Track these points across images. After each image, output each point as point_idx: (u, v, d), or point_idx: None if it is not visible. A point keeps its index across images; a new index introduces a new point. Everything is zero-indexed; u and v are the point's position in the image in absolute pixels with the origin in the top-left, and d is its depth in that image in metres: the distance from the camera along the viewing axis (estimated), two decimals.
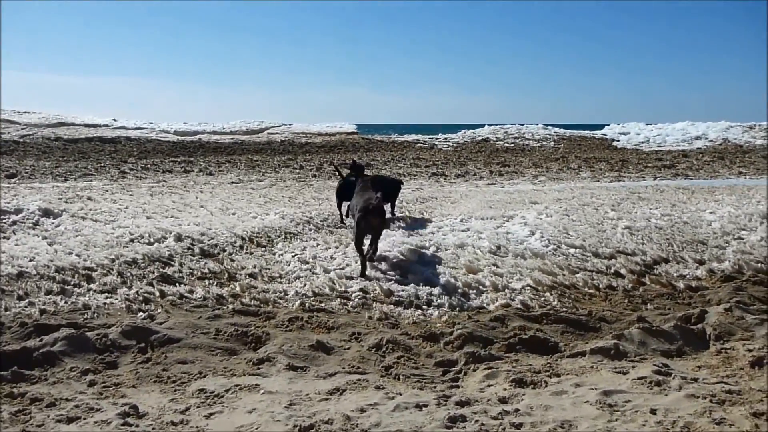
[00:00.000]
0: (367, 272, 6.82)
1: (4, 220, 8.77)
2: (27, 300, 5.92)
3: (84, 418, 3.53)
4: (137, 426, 3.44)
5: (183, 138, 28.20)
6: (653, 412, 3.60)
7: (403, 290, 6.39)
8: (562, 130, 32.52)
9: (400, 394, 3.97)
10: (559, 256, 7.53)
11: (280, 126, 33.03)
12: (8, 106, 32.95)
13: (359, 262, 6.88)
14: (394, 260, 7.16)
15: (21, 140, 24.95)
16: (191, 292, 6.25)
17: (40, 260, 6.94)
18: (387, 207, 9.03)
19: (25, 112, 31.78)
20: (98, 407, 3.71)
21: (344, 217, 9.36)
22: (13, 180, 15.26)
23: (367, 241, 7.21)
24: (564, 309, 6.04)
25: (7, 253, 7.26)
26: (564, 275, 6.96)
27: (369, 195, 7.23)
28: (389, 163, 20.25)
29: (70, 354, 4.64)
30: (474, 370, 4.54)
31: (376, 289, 6.39)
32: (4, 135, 25.43)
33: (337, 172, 10.64)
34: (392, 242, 7.77)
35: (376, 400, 3.84)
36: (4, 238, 8.16)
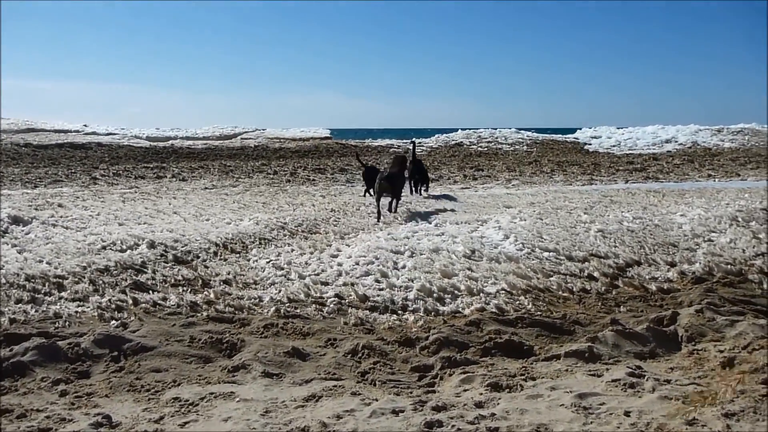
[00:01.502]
0: (380, 221, 9.96)
1: None
2: None
3: (56, 429, 3.47)
4: None
5: (155, 144, 27.95)
6: (627, 414, 3.64)
7: (378, 295, 6.39)
8: (534, 134, 32.85)
9: (377, 400, 3.97)
10: (533, 259, 7.59)
11: (253, 131, 32.90)
12: None
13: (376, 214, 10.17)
14: (369, 265, 7.16)
15: None
16: (165, 299, 6.18)
17: (9, 268, 6.81)
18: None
19: None
20: (70, 418, 3.65)
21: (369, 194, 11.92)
22: None
23: (385, 201, 10.65)
24: (538, 312, 6.09)
25: None
26: (538, 279, 7.01)
27: (387, 170, 10.93)
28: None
29: (40, 364, 4.56)
30: (450, 375, 4.55)
31: (351, 295, 6.38)
32: None
33: (358, 161, 13.38)
34: (367, 247, 7.77)
35: (353, 407, 3.83)
36: None
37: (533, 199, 12.38)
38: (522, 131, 33.27)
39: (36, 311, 5.82)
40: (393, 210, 10.70)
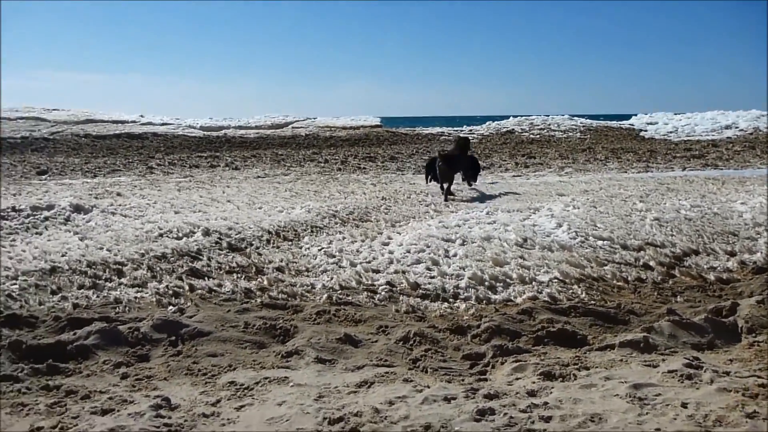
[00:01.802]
0: (446, 200, 10.76)
1: (36, 216, 8.93)
2: (60, 294, 6.03)
3: (118, 411, 3.59)
4: (169, 418, 3.49)
5: (209, 133, 28.41)
6: (684, 405, 3.57)
7: (429, 283, 6.40)
8: (588, 121, 32.21)
9: (428, 387, 3.98)
10: (586, 248, 7.47)
11: (304, 120, 33.13)
12: (38, 103, 33.46)
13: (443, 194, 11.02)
14: (420, 253, 7.17)
15: (51, 137, 25.32)
16: (220, 285, 6.32)
17: (72, 255, 7.06)
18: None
19: (54, 110, 32.24)
20: (131, 399, 3.77)
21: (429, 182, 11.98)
22: (44, 177, 15.50)
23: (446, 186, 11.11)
24: (592, 302, 6.00)
25: (39, 249, 7.40)
26: (592, 267, 6.90)
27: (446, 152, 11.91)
28: (414, 156, 20.22)
29: (103, 347, 4.72)
30: (502, 363, 4.53)
31: (402, 282, 6.40)
32: (35, 132, 25.84)
33: (430, 154, 13.46)
34: (418, 235, 7.77)
35: (405, 393, 3.85)
36: (36, 233, 8.32)
37: (587, 186, 12.17)
38: (575, 118, 32.66)
39: (97, 296, 6.02)
40: (448, 193, 11.10)
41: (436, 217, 9.18)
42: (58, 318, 5.33)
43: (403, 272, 6.67)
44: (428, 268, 6.77)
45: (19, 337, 4.85)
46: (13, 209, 9.16)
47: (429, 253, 7.16)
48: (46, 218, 8.87)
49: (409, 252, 7.23)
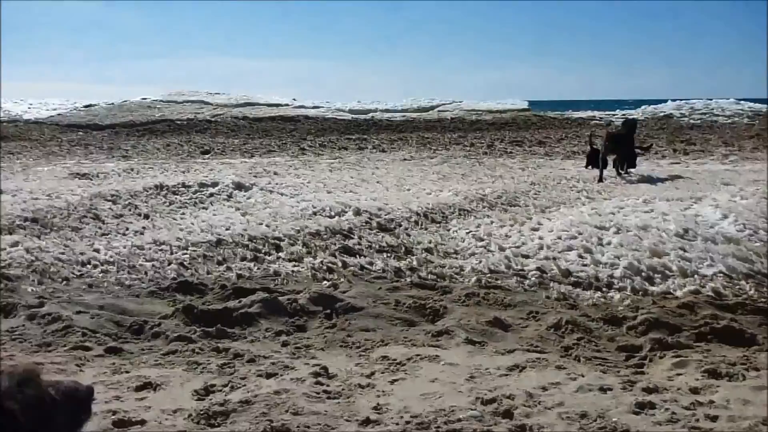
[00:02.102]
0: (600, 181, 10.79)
1: (203, 192, 9.62)
2: (225, 265, 6.47)
3: (281, 375, 3.82)
4: (328, 386, 3.66)
5: (357, 116, 29.14)
6: None
7: (581, 271, 6.22)
8: (758, 105, 29.67)
9: (583, 376, 3.89)
10: (756, 242, 6.93)
11: (450, 103, 33.06)
12: (203, 88, 35.79)
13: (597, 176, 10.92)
14: (572, 240, 6.97)
15: (213, 119, 27.08)
16: (371, 263, 6.50)
17: (235, 229, 7.54)
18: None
19: (216, 94, 34.34)
20: (292, 366, 3.99)
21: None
22: (207, 156, 16.63)
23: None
24: (762, 299, 5.57)
25: (206, 222, 7.97)
26: (762, 263, 6.40)
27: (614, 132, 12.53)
28: (563, 141, 19.63)
29: (265, 316, 5.02)
30: (661, 358, 4.32)
31: (553, 269, 6.27)
32: (199, 115, 27.72)
33: (590, 142, 12.77)
34: (570, 222, 7.56)
35: (558, 380, 3.79)
36: (203, 208, 8.96)
37: (756, 176, 11.25)
38: (742, 102, 30.21)
39: (258, 268, 6.40)
40: (623, 170, 11.46)
41: (588, 204, 8.88)
42: (224, 287, 5.73)
43: (554, 259, 6.52)
44: (580, 256, 6.58)
45: (191, 302, 5.27)
46: (183, 185, 9.91)
47: (581, 240, 6.94)
48: (212, 194, 9.52)
49: (560, 238, 7.05)
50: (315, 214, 8.27)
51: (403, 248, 7.01)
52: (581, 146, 18.15)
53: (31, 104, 32.07)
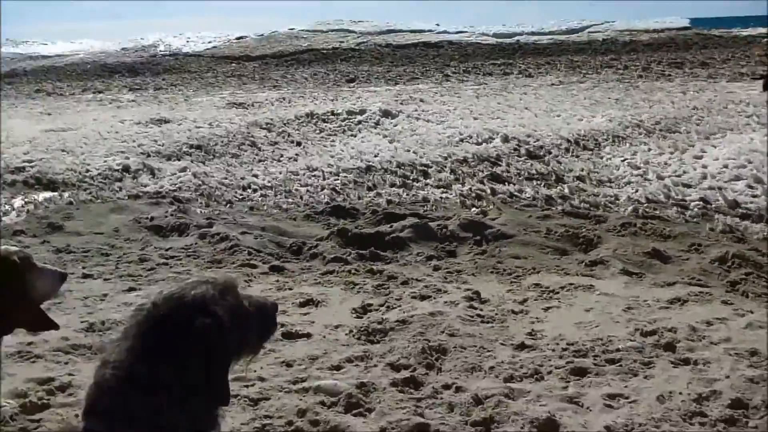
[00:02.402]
0: None
1: (351, 120, 9.82)
2: (375, 191, 6.62)
3: (434, 298, 3.90)
4: (481, 310, 3.70)
5: (501, 40, 28.23)
6: None
7: (751, 202, 5.78)
8: None
9: (752, 312, 3.66)
10: None
11: (601, 24, 31.16)
12: (346, 16, 35.99)
13: None
14: (741, 169, 6.47)
15: (357, 48, 27.30)
16: (520, 191, 6.40)
17: (383, 156, 7.67)
18: None
19: (359, 21, 34.46)
20: (444, 289, 4.06)
21: None
22: (352, 84, 16.87)
23: None
24: None
25: (355, 149, 8.16)
26: None
27: None
28: (728, 61, 18.01)
29: (415, 240, 5.11)
30: None
31: (718, 200, 5.87)
32: (343, 44, 28.03)
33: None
34: (738, 150, 7.01)
35: (724, 315, 3.59)
36: (351, 135, 9.17)
37: None
38: None
39: (407, 194, 6.49)
40: None
41: (759, 130, 8.16)
42: (375, 211, 5.87)
43: (719, 189, 6.09)
44: (750, 186, 6.10)
45: (345, 226, 5.46)
46: (332, 113, 10.17)
47: (751, 170, 6.42)
48: (360, 122, 9.70)
49: (726, 167, 6.57)
50: (462, 140, 8.22)
51: (554, 176, 6.83)
52: (751, 67, 16.57)
53: (188, 38, 33.80)
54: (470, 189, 6.47)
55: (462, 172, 7.01)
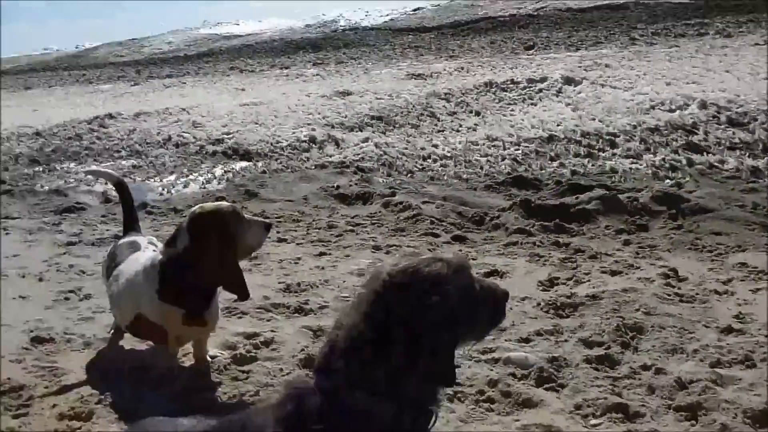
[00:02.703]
0: None
1: (531, 88, 9.54)
2: (558, 161, 6.40)
3: (626, 274, 3.70)
4: (680, 288, 3.45)
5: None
6: None
7: None
8: None
9: None
10: None
11: None
12: None
13: None
14: None
15: (535, 13, 26.45)
16: (721, 162, 5.88)
17: (566, 125, 7.38)
18: None
19: None
20: (637, 265, 3.84)
21: None
22: (531, 51, 16.40)
23: None
24: None
25: (536, 118, 7.93)
26: None
27: None
28: None
29: (603, 213, 4.88)
30: None
31: None
32: (521, 9, 27.28)
33: None
34: None
35: None
36: (532, 104, 8.92)
37: None
38: None
39: (593, 165, 6.21)
40: None
41: None
42: (559, 182, 5.68)
43: None
44: None
45: (527, 197, 5.33)
46: (512, 81, 9.94)
47: None
48: (540, 90, 9.40)
49: None
50: (652, 107, 7.70)
51: (761, 145, 6.20)
52: None
53: (367, 12, 34.63)
54: (663, 159, 6.05)
55: (653, 142, 6.57)
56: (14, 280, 3.93)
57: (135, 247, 2.73)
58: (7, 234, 5.17)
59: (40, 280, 3.93)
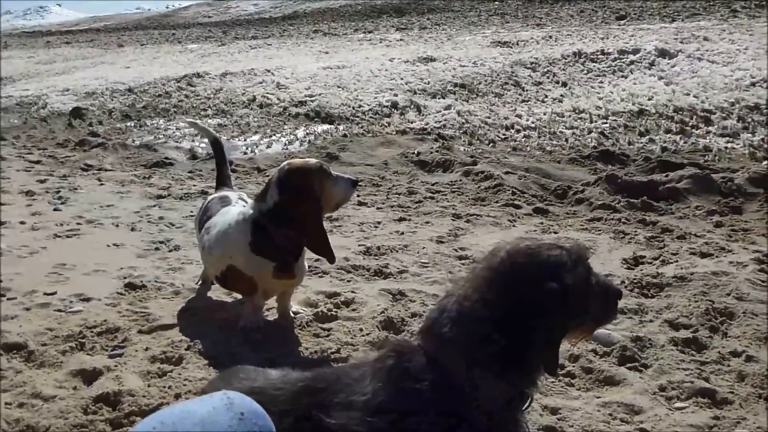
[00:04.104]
0: None
1: (622, 60, 9.20)
2: (648, 137, 6.18)
3: (717, 256, 3.55)
4: None
5: None
6: None
7: None
8: None
9: None
10: None
11: None
12: None
13: None
14: None
15: None
16: None
17: (658, 99, 7.10)
18: None
19: None
20: (729, 248, 3.68)
21: None
22: (623, 21, 15.76)
23: None
24: None
25: (627, 91, 7.65)
26: None
27: None
28: None
29: (694, 192, 4.70)
30: None
31: None
32: None
33: None
34: None
35: None
36: (622, 77, 8.60)
37: None
38: None
39: (685, 142, 5.96)
40: None
41: None
42: (648, 159, 5.48)
43: None
44: None
45: (614, 172, 5.18)
46: (602, 52, 9.60)
47: None
48: (632, 62, 9.05)
49: None
50: (753, 84, 7.31)
51: None
52: None
53: None
54: (762, 140, 5.75)
55: (752, 120, 6.25)
56: (109, 229, 4.12)
57: (226, 201, 2.82)
58: (101, 185, 5.41)
59: (132, 230, 4.10)
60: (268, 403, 1.30)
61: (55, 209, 4.56)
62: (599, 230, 4.09)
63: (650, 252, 3.66)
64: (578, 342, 1.58)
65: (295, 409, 1.34)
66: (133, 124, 8.26)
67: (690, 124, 6.38)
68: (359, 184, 3.06)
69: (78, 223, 4.20)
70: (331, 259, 2.54)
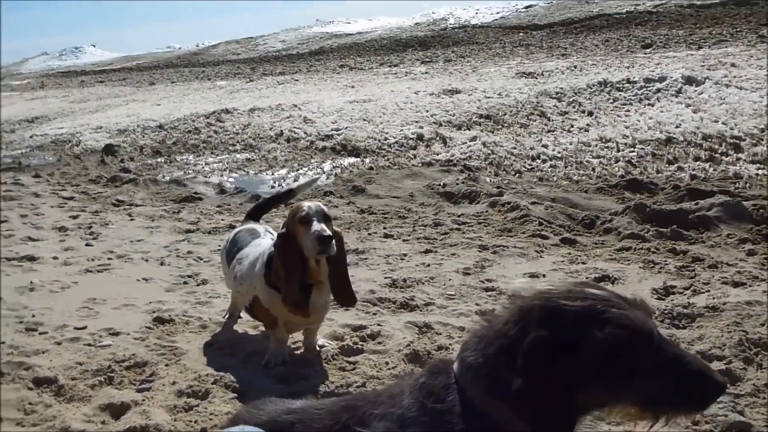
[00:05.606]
0: None
1: (648, 88, 9.15)
2: (676, 165, 6.12)
3: (750, 286, 3.48)
4: None
5: None
6: None
7: None
8: None
9: None
10: None
11: None
12: None
13: None
14: None
15: (654, 9, 25.35)
16: None
17: (686, 127, 7.05)
18: None
19: None
20: (763, 278, 3.60)
21: None
22: (648, 49, 15.73)
23: None
24: None
25: (653, 119, 7.60)
26: None
27: None
28: None
29: (725, 221, 4.62)
30: None
31: None
32: (639, 6, 26.20)
33: None
34: None
35: None
36: (648, 105, 8.56)
37: None
38: None
39: (714, 170, 5.89)
40: None
41: None
42: (677, 187, 5.42)
43: None
44: None
45: (642, 201, 5.13)
46: (627, 81, 9.57)
47: None
48: (658, 90, 9.01)
49: None
50: None
51: None
52: None
53: (477, 10, 34.36)
54: None
55: None
56: (138, 263, 4.18)
57: (254, 233, 2.86)
58: (132, 220, 5.50)
59: (161, 264, 4.15)
60: (309, 421, 1.28)
61: (86, 244, 4.64)
62: (628, 260, 4.04)
63: (681, 282, 3.60)
64: (639, 424, 1.31)
65: (335, 423, 1.34)
66: (163, 160, 8.41)
67: (719, 151, 6.31)
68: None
69: (109, 258, 4.28)
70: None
